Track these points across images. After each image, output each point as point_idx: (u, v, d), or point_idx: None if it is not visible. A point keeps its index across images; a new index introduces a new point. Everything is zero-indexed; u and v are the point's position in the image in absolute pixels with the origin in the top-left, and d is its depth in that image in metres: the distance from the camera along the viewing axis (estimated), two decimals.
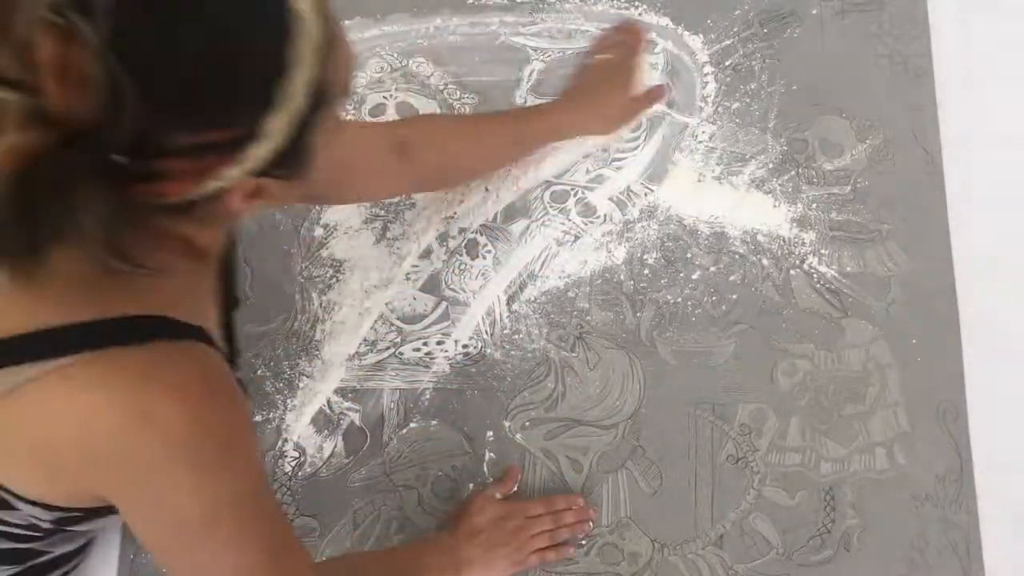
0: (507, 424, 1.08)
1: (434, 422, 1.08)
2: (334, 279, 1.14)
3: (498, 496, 1.03)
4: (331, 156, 0.66)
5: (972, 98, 1.20)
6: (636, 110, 1.17)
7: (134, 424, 0.62)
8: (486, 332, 1.12)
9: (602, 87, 1.14)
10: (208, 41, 0.55)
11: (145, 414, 0.62)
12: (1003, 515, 1.04)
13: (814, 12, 1.25)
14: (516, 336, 1.11)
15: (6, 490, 0.69)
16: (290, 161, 0.61)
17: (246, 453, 0.72)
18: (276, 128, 0.58)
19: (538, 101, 1.20)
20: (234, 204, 0.62)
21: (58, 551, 0.84)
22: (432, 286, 1.13)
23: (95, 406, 0.62)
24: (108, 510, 0.72)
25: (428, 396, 1.09)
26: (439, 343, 1.11)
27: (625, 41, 1.15)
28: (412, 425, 1.08)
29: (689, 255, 1.14)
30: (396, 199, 1.16)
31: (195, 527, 0.69)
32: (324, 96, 0.60)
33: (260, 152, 0.59)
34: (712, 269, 1.14)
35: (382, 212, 1.16)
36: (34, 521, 0.73)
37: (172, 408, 0.63)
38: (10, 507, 0.71)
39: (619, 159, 1.19)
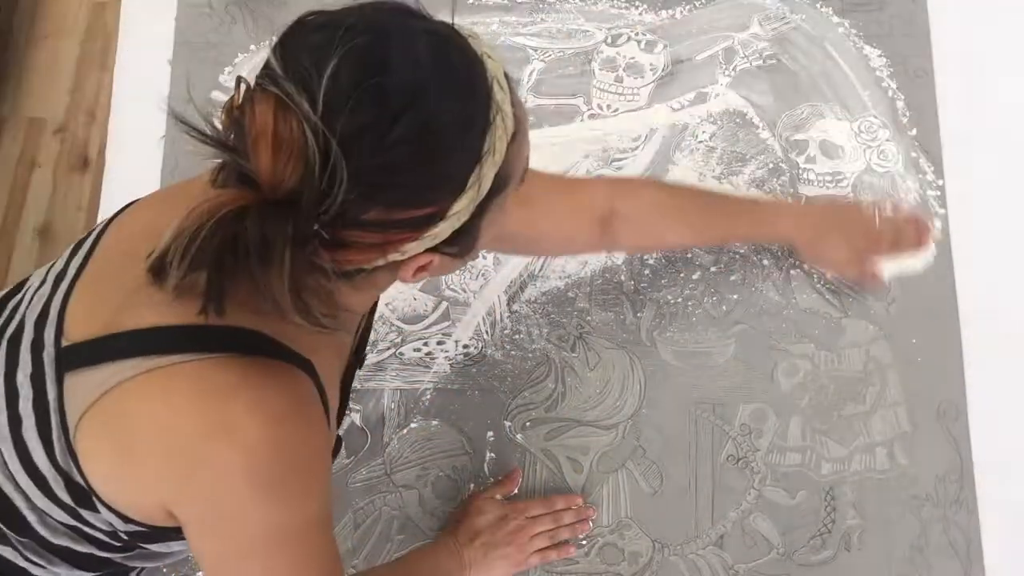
0: (507, 424, 1.08)
1: (434, 422, 1.08)
2: None
3: (498, 497, 1.03)
4: (531, 223, 0.71)
5: (972, 98, 1.20)
6: (855, 274, 1.10)
7: (215, 433, 0.63)
8: (486, 332, 1.12)
9: (855, 231, 1.08)
10: (419, 128, 0.57)
11: (227, 424, 0.63)
12: (1003, 515, 1.04)
13: (816, 10, 1.25)
14: (516, 336, 1.11)
15: (92, 488, 0.69)
16: (463, 240, 0.64)
17: (321, 486, 0.72)
18: (460, 209, 0.61)
19: (535, 100, 1.20)
20: (407, 276, 0.65)
21: (137, 567, 0.83)
22: (432, 286, 1.13)
23: (183, 409, 0.64)
24: (177, 532, 0.71)
25: (428, 396, 1.09)
26: (439, 343, 1.11)
27: (910, 231, 1.10)
28: (412, 425, 1.08)
29: (689, 255, 1.14)
30: None
31: (256, 548, 0.68)
32: (505, 182, 0.64)
33: (442, 231, 0.61)
34: (712, 269, 1.14)
35: None
36: (114, 528, 0.72)
37: (254, 423, 0.63)
38: (92, 507, 0.70)
39: (620, 159, 1.19)
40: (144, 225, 0.73)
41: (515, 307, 1.12)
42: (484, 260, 1.14)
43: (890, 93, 1.21)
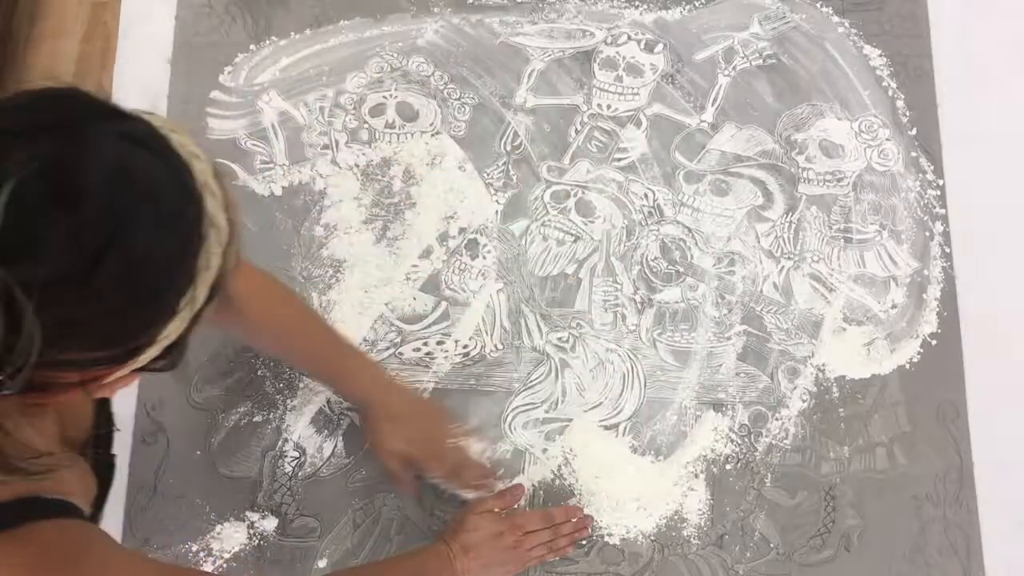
0: (507, 424, 1.08)
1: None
2: (334, 279, 1.14)
3: (496, 511, 1.01)
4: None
5: (972, 98, 1.20)
6: (392, 467, 1.01)
7: None
8: (486, 332, 1.11)
9: (423, 435, 1.02)
10: (122, 270, 0.50)
11: None
12: (1003, 515, 1.05)
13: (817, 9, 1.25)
14: (516, 336, 1.11)
15: None
16: (172, 354, 0.58)
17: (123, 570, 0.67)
18: (172, 331, 0.55)
19: (535, 100, 1.20)
20: (104, 394, 0.59)
21: None
22: (432, 286, 1.13)
23: None
24: None
25: (428, 396, 1.09)
26: (439, 343, 1.11)
27: (473, 476, 1.04)
28: None
29: (690, 255, 1.14)
30: (396, 199, 1.16)
31: None
32: (219, 288, 0.57)
33: (151, 354, 0.55)
34: (712, 269, 1.14)
35: (382, 212, 1.16)
36: None
37: None
38: None
39: (620, 158, 1.18)
40: None
41: (515, 307, 1.12)
42: (484, 260, 1.14)
43: (890, 92, 1.21)
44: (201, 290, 0.55)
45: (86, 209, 0.49)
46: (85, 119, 0.52)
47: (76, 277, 0.49)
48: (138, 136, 0.53)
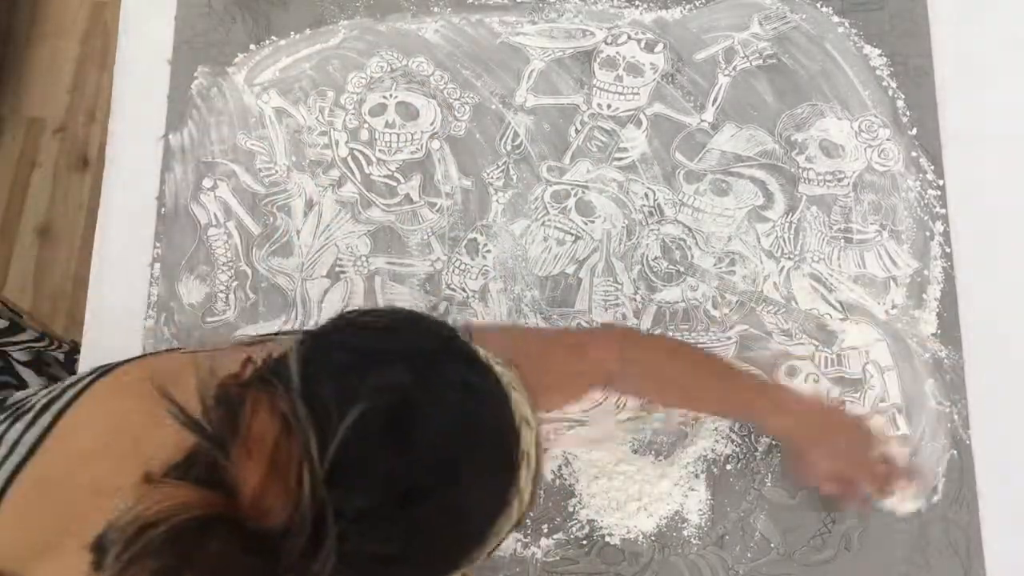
0: None
1: None
2: (333, 279, 1.14)
3: None
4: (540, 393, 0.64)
5: (972, 98, 1.20)
6: (834, 491, 1.00)
7: None
8: None
9: (846, 453, 1.00)
10: (440, 517, 0.51)
11: None
12: (1003, 515, 1.04)
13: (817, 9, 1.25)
14: None
15: None
16: None
17: None
18: (467, 570, 0.56)
19: (535, 100, 1.20)
20: None
21: None
22: (432, 286, 1.13)
23: None
24: None
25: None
26: None
27: (901, 480, 1.02)
28: None
29: (690, 255, 1.14)
30: (399, 199, 1.16)
31: None
32: (524, 515, 0.58)
33: None
34: (712, 269, 1.14)
35: (385, 216, 1.16)
36: None
37: None
38: None
39: (620, 158, 1.18)
40: (89, 449, 0.66)
41: (515, 307, 1.12)
42: (484, 260, 1.14)
43: (890, 92, 1.21)
44: (504, 529, 0.56)
45: (417, 455, 0.50)
46: (436, 356, 0.55)
47: (389, 515, 0.50)
48: (479, 389, 0.55)
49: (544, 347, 0.87)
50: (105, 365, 0.74)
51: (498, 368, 0.58)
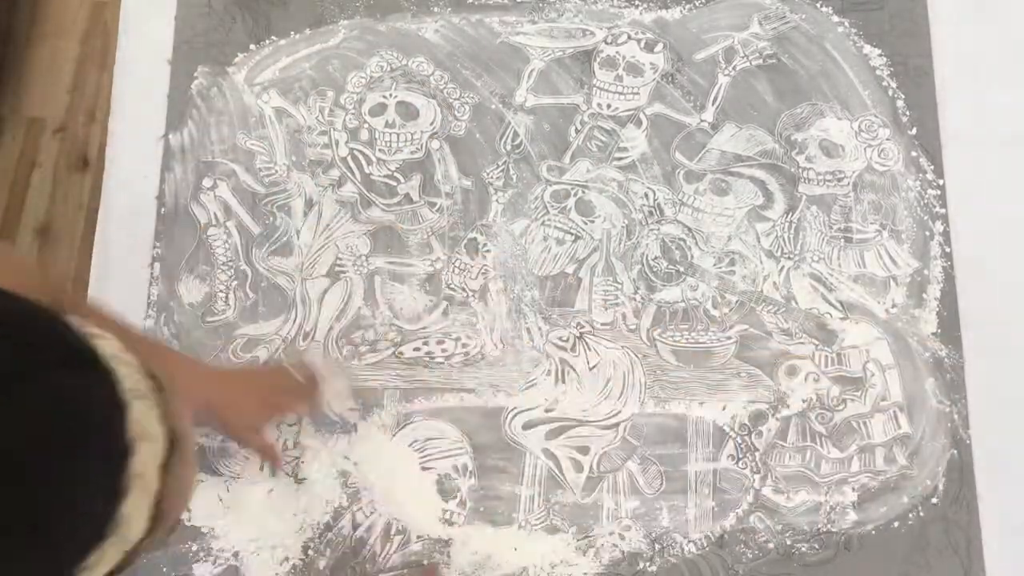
0: (507, 424, 1.08)
1: (435, 422, 1.08)
2: (333, 278, 1.14)
3: None
4: None
5: (972, 98, 1.20)
6: (254, 441, 1.03)
7: None
8: (486, 331, 1.12)
9: (260, 394, 1.03)
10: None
11: None
12: (1003, 515, 1.04)
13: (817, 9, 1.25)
14: (516, 336, 1.11)
15: None
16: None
17: None
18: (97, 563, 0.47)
19: (535, 100, 1.20)
20: None
21: None
22: (432, 286, 1.13)
23: None
24: None
25: (428, 396, 1.09)
26: (439, 343, 1.11)
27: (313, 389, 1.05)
28: (412, 425, 1.08)
29: (690, 255, 1.14)
30: (399, 199, 1.16)
31: None
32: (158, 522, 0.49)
33: None
34: (712, 269, 1.14)
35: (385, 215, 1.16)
36: None
37: None
38: None
39: (620, 158, 1.18)
40: None
41: (515, 306, 1.12)
42: (484, 260, 1.14)
43: (890, 92, 1.21)
44: (114, 554, 0.47)
45: None
46: (17, 371, 0.45)
47: None
48: (64, 402, 0.46)
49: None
50: None
51: (126, 371, 0.49)
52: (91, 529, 0.46)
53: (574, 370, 1.10)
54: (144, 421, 0.48)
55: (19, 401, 0.44)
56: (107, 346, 0.49)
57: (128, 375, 0.49)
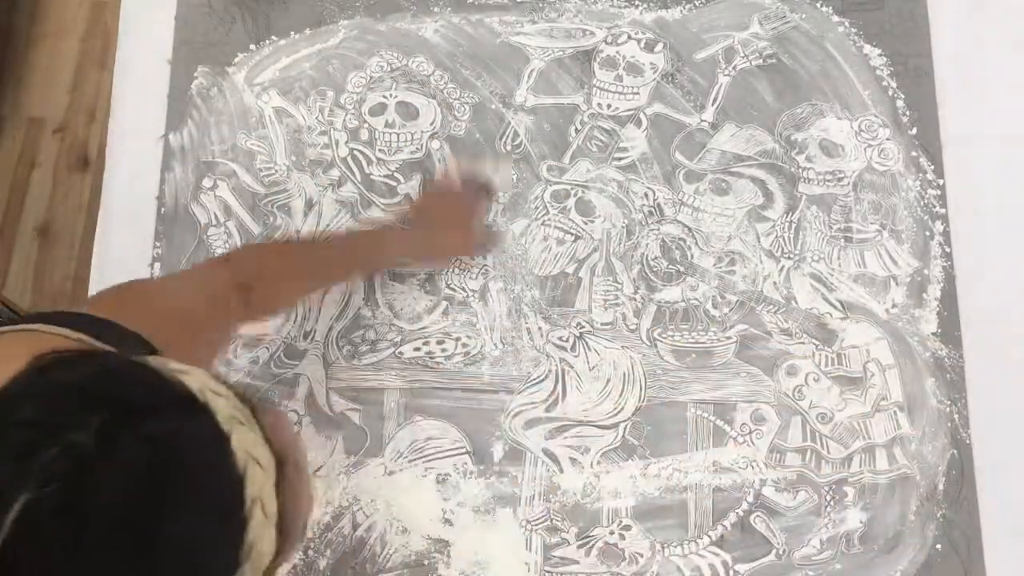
0: (507, 424, 1.08)
1: (434, 422, 1.08)
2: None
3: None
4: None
5: (972, 98, 1.20)
6: (470, 247, 1.13)
7: None
8: (486, 331, 1.12)
9: (446, 220, 1.11)
10: None
11: None
12: (1003, 515, 1.04)
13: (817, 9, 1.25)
14: (516, 336, 1.11)
15: None
16: None
17: None
18: None
19: (535, 100, 1.20)
20: None
21: None
22: (432, 286, 1.13)
23: None
24: None
25: (428, 396, 1.09)
26: (439, 343, 1.11)
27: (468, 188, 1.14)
28: (412, 425, 1.08)
29: (690, 254, 1.14)
30: (399, 199, 1.16)
31: None
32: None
33: None
34: (713, 269, 1.14)
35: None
36: None
37: None
38: None
39: (620, 157, 1.18)
40: None
41: (515, 307, 1.12)
42: (484, 260, 1.14)
43: (890, 92, 1.21)
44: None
45: (93, 543, 0.43)
46: (130, 411, 0.46)
47: None
48: (175, 437, 0.47)
49: (167, 298, 0.80)
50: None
51: (220, 401, 0.49)
52: (222, 565, 0.47)
53: (574, 370, 1.10)
54: (248, 446, 0.49)
55: (124, 457, 0.44)
56: (194, 381, 0.50)
57: (222, 406, 0.49)
